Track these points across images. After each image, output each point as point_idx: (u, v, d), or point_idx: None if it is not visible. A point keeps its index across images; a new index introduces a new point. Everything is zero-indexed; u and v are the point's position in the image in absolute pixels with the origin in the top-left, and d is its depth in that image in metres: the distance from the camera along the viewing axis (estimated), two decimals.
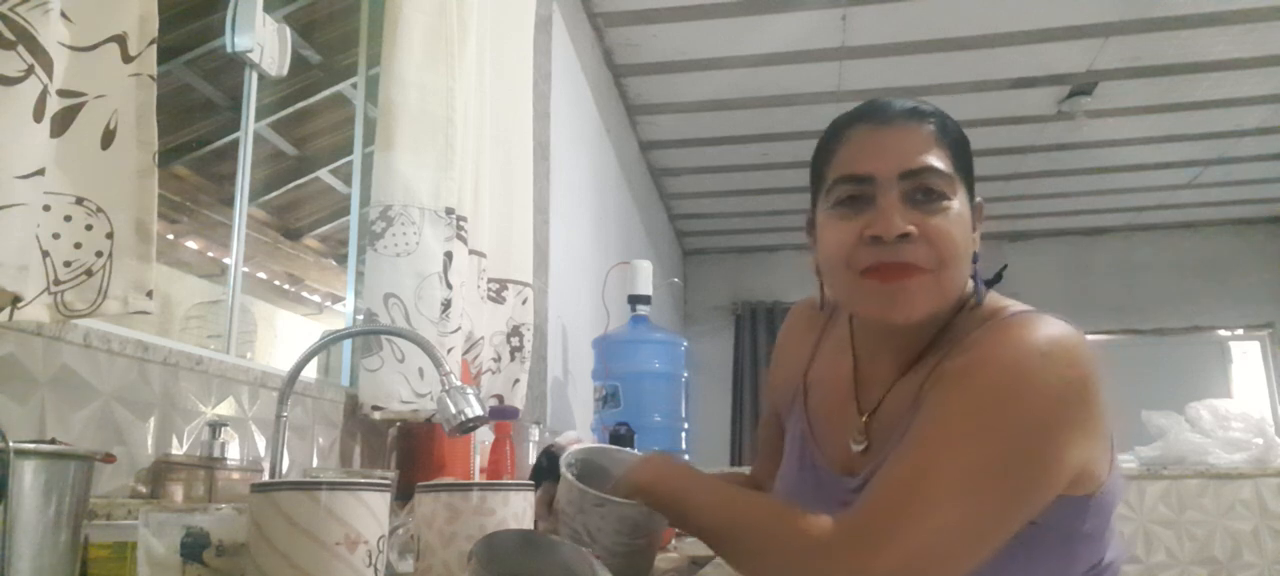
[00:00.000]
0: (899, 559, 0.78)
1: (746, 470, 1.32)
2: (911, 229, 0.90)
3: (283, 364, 1.38)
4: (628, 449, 1.17)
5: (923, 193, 0.92)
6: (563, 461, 1.03)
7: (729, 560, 0.92)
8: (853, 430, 1.01)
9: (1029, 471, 0.83)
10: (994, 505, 0.82)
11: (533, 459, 1.81)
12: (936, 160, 0.93)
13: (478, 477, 1.70)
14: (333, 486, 0.70)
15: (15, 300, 0.86)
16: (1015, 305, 0.96)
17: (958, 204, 0.93)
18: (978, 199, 1.00)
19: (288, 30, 1.70)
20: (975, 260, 0.98)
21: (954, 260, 0.92)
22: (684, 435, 2.92)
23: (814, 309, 1.16)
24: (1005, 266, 1.06)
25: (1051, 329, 0.87)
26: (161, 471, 1.16)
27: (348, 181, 2.11)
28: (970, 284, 0.99)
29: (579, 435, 1.15)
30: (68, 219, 0.95)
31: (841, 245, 0.94)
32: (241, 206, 1.61)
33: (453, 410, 1.15)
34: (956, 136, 0.97)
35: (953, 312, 0.97)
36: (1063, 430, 0.84)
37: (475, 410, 1.15)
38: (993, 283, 1.02)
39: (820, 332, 1.15)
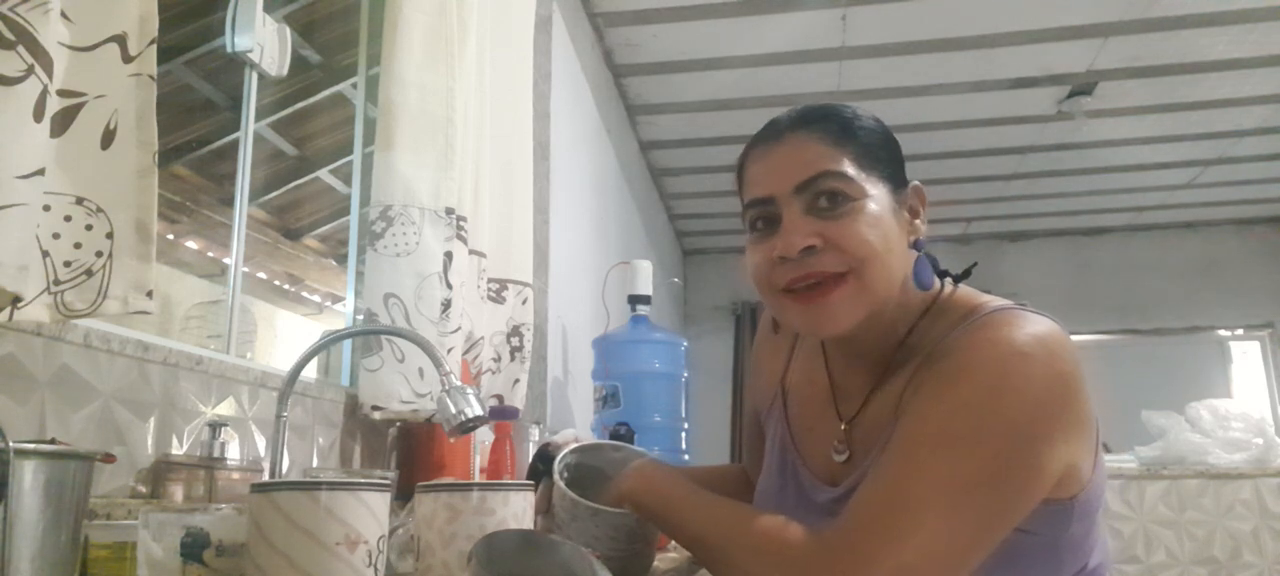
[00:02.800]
0: None
1: (730, 465, 1.31)
2: (814, 241, 0.89)
3: (283, 364, 1.38)
4: (624, 444, 1.16)
5: (826, 198, 0.90)
6: (556, 469, 1.03)
7: (712, 571, 0.91)
8: (833, 439, 0.99)
9: (1013, 479, 0.81)
10: (978, 517, 0.80)
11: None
12: (832, 164, 0.90)
13: (478, 477, 1.70)
14: (333, 486, 0.70)
15: (15, 300, 0.86)
16: (993, 301, 0.93)
17: (870, 203, 0.90)
18: (913, 182, 0.97)
19: (288, 30, 1.70)
20: (919, 247, 0.95)
21: (871, 258, 0.89)
22: (684, 435, 2.92)
23: None
24: (974, 265, 1.03)
25: (1031, 327, 0.85)
26: (161, 471, 1.16)
27: (348, 181, 2.11)
28: (934, 280, 0.96)
29: (577, 432, 1.14)
30: (68, 219, 0.95)
31: (759, 268, 0.94)
32: (241, 206, 1.61)
33: (453, 410, 1.15)
34: (862, 130, 0.94)
35: (920, 313, 0.95)
36: (1046, 433, 0.82)
37: (475, 410, 1.15)
38: (961, 279, 0.99)
39: (795, 337, 1.13)
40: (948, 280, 0.99)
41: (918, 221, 0.96)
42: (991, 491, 0.80)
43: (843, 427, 0.98)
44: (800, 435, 1.05)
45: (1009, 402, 0.81)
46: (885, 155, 0.95)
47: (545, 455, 1.10)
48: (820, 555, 0.80)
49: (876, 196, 0.91)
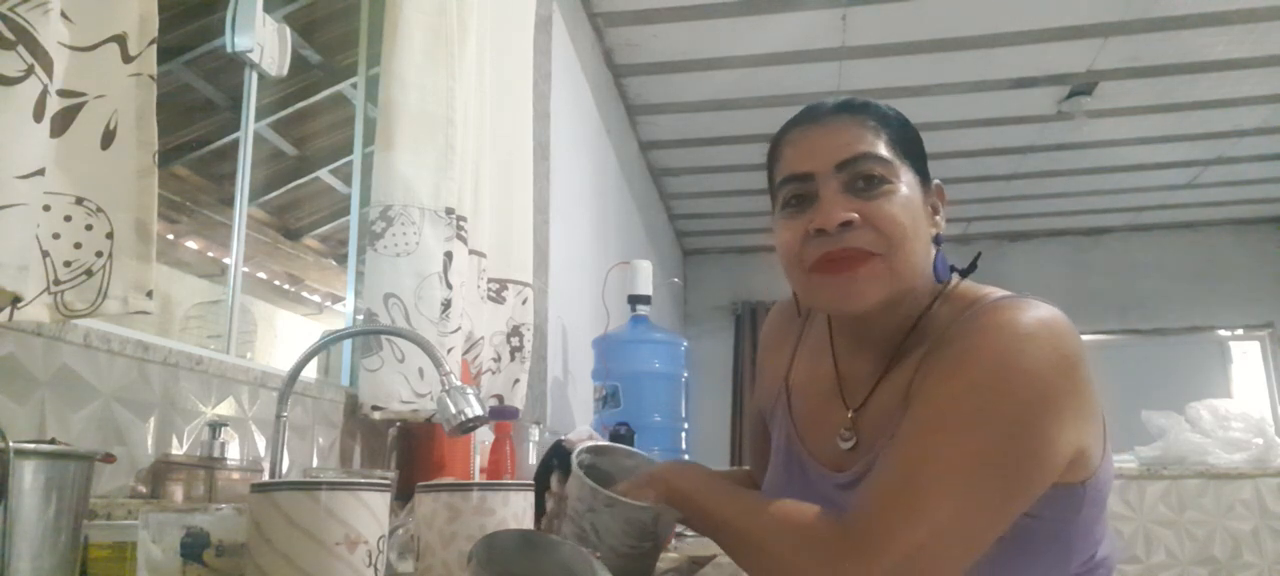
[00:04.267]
0: (899, 557, 0.78)
1: (740, 470, 1.33)
2: (853, 216, 0.91)
3: (283, 364, 1.38)
4: (636, 451, 1.16)
5: (863, 180, 0.93)
6: (575, 457, 1.03)
7: (739, 561, 0.93)
8: (840, 427, 1.01)
9: (1024, 457, 0.83)
10: (991, 495, 0.82)
11: (533, 459, 1.81)
12: (873, 148, 0.94)
13: (478, 477, 1.70)
14: (333, 486, 0.70)
15: (15, 300, 0.86)
16: (995, 291, 0.96)
17: (903, 187, 0.94)
18: (935, 181, 1.00)
19: (288, 30, 1.70)
20: (938, 243, 0.98)
21: (903, 241, 0.92)
22: (684, 435, 2.92)
23: (792, 309, 1.16)
24: (979, 255, 1.05)
25: (1035, 311, 0.87)
26: (161, 471, 1.16)
27: (348, 181, 2.11)
28: (950, 275, 0.99)
29: (591, 431, 1.14)
30: (68, 219, 0.95)
31: (790, 244, 0.96)
32: (241, 206, 1.61)
33: (453, 410, 1.15)
34: (897, 123, 0.98)
35: (929, 302, 0.97)
36: (1054, 412, 0.83)
37: (475, 410, 1.15)
38: (967, 272, 1.02)
39: (799, 335, 1.15)
40: (953, 273, 1.01)
41: (938, 217, 1.00)
42: (1003, 470, 0.82)
43: (850, 415, 1.00)
44: (805, 428, 1.06)
45: (1016, 382, 0.83)
46: (916, 150, 0.99)
47: (560, 449, 1.10)
48: (839, 538, 0.82)
49: (909, 183, 0.95)
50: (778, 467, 1.09)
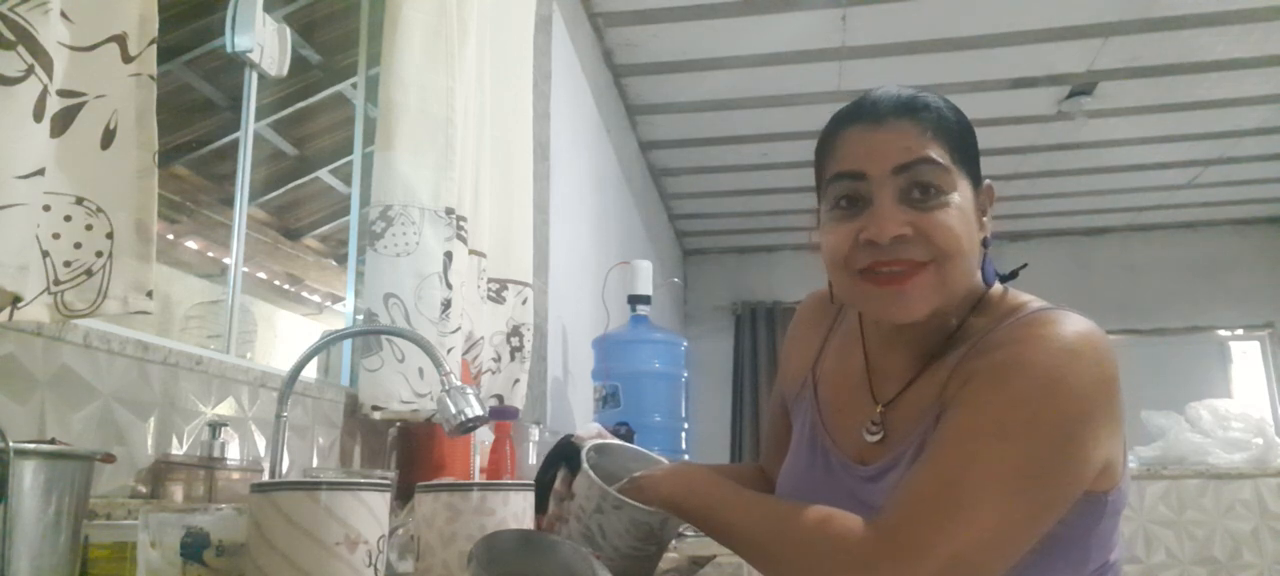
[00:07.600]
0: (938, 564, 0.78)
1: (747, 464, 1.32)
2: (906, 231, 0.90)
3: (283, 364, 1.38)
4: (643, 452, 1.16)
5: (919, 189, 0.91)
6: (585, 455, 1.02)
7: (763, 570, 0.92)
8: (867, 420, 1.00)
9: (1063, 471, 0.83)
10: (1029, 507, 0.82)
11: (533, 459, 1.81)
12: (932, 153, 0.91)
13: (478, 477, 1.70)
14: (333, 486, 0.70)
15: (15, 300, 0.86)
16: (1035, 301, 0.96)
17: (958, 196, 0.92)
18: (986, 182, 0.99)
19: (288, 30, 1.70)
20: (986, 245, 0.97)
21: (955, 253, 0.91)
22: (684, 435, 2.92)
23: (825, 300, 1.15)
24: (1024, 265, 1.06)
25: (1077, 325, 0.88)
26: (161, 471, 1.16)
27: (348, 181, 2.11)
28: (980, 277, 0.98)
29: (600, 428, 1.13)
30: (68, 219, 0.95)
31: (838, 248, 0.94)
32: (241, 206, 1.61)
33: (453, 410, 1.15)
34: (956, 126, 0.96)
35: (969, 307, 0.97)
36: (1093, 427, 0.84)
37: (475, 410, 1.15)
38: (1009, 278, 1.01)
39: (830, 325, 1.14)
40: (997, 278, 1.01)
41: (985, 219, 0.99)
42: (1043, 482, 0.82)
43: (879, 409, 1.00)
44: (830, 416, 1.06)
45: (1061, 397, 0.83)
46: (972, 153, 0.97)
47: (568, 446, 1.09)
48: (875, 544, 0.81)
49: (962, 191, 0.93)
50: (798, 456, 1.09)
